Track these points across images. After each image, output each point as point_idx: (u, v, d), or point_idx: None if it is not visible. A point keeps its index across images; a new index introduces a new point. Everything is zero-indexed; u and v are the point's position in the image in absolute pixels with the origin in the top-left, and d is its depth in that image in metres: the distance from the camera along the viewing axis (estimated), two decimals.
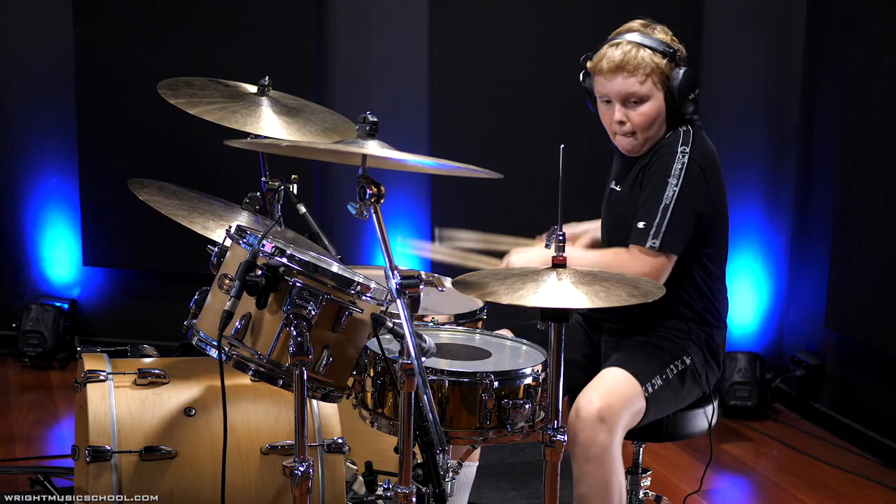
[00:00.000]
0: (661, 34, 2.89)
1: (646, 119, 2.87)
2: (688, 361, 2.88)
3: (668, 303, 2.89)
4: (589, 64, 2.92)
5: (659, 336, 2.91)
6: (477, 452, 3.14)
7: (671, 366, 2.86)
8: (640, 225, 2.81)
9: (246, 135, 3.14)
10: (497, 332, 2.87)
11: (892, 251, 4.11)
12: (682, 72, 2.86)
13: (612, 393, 2.73)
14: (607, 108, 2.91)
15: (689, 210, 2.81)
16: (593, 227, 3.20)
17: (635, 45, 2.85)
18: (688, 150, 2.84)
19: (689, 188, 2.81)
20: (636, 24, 2.92)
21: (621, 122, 2.88)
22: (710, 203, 2.87)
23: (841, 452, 4.35)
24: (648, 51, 2.84)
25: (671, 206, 2.79)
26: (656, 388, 2.80)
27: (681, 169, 2.82)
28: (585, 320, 3.09)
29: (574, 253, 2.79)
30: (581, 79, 2.97)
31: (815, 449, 4.38)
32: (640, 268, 2.79)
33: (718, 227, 2.94)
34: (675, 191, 2.80)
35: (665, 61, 2.85)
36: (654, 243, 2.78)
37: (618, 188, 3.00)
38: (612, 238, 2.99)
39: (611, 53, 2.86)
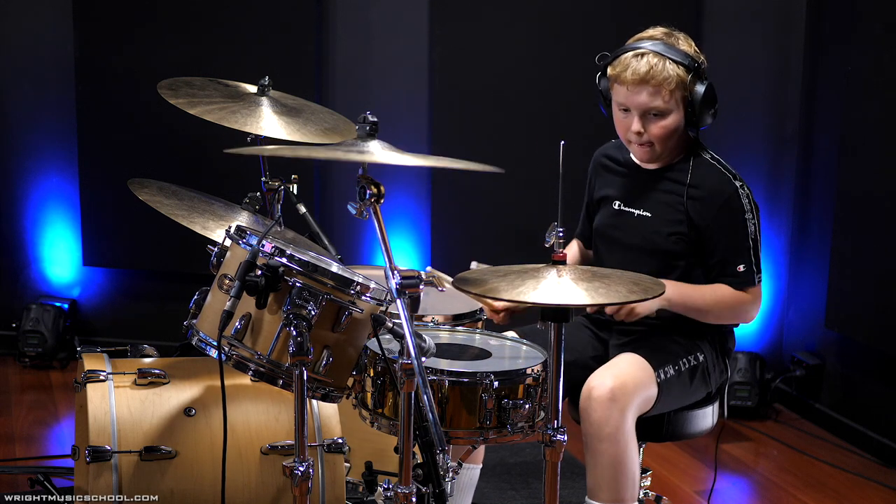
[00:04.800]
0: (685, 45, 2.85)
1: (664, 132, 2.85)
2: (701, 358, 2.90)
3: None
4: (610, 70, 2.86)
5: (674, 332, 2.92)
6: (480, 454, 3.13)
7: (684, 359, 2.88)
8: (741, 268, 2.85)
9: (246, 135, 3.14)
10: (502, 333, 2.86)
11: (892, 251, 4.11)
12: (704, 87, 2.82)
13: (625, 374, 2.75)
14: (624, 117, 2.88)
15: (760, 233, 2.90)
16: None
17: (661, 57, 2.79)
18: (740, 182, 2.88)
19: (757, 216, 2.89)
20: (658, 31, 2.87)
21: (639, 133, 2.86)
22: None
23: (841, 452, 4.35)
24: (673, 64, 2.80)
25: (758, 239, 2.88)
26: (669, 376, 2.82)
27: (748, 202, 2.86)
28: (593, 321, 3.08)
29: (685, 290, 2.86)
30: (597, 80, 2.93)
31: (815, 449, 4.37)
32: (756, 302, 2.89)
33: None
34: (755, 224, 2.87)
35: (689, 76, 2.81)
36: (759, 277, 2.87)
37: (641, 212, 2.94)
38: (631, 260, 2.92)
39: (635, 65, 2.80)
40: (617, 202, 3.00)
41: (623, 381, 2.73)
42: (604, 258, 3.03)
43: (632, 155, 2.99)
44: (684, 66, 2.81)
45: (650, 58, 2.80)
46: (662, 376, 2.81)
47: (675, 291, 2.83)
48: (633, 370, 2.78)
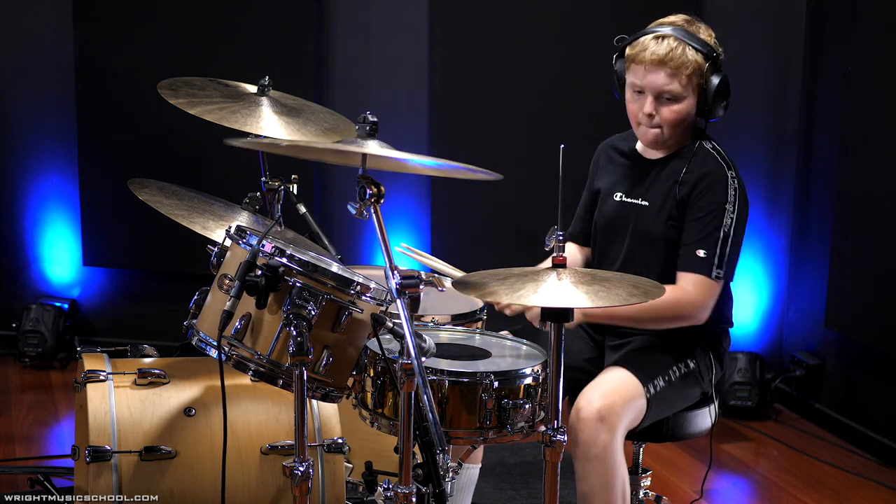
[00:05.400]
0: (705, 34, 2.85)
1: (676, 117, 2.84)
2: (692, 365, 2.88)
3: None
4: (628, 50, 2.85)
5: (665, 338, 2.89)
6: (479, 454, 3.13)
7: (674, 367, 2.85)
8: (701, 253, 2.78)
9: (246, 135, 3.14)
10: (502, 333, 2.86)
11: (892, 251, 4.11)
12: (719, 78, 2.82)
13: (613, 393, 2.72)
14: (637, 98, 2.86)
15: (741, 233, 2.83)
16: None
17: (681, 42, 2.79)
18: (734, 174, 2.84)
19: (741, 213, 2.82)
20: (680, 18, 2.86)
21: (650, 115, 2.85)
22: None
23: (841, 452, 4.35)
24: (693, 50, 2.79)
25: (731, 234, 2.79)
26: (658, 388, 2.79)
27: (734, 195, 2.81)
28: (589, 324, 3.08)
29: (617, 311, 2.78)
30: (613, 61, 2.92)
31: (815, 449, 4.38)
32: (703, 297, 2.78)
33: None
34: (732, 218, 2.80)
35: (707, 65, 2.81)
36: (718, 273, 2.78)
37: (640, 202, 2.92)
38: (631, 251, 2.93)
39: (655, 46, 2.80)
40: (619, 194, 2.98)
41: (611, 400, 2.70)
42: (605, 250, 3.01)
43: (637, 143, 2.99)
44: (703, 53, 2.80)
45: (671, 41, 2.80)
46: (652, 391, 2.78)
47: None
48: (621, 388, 2.75)
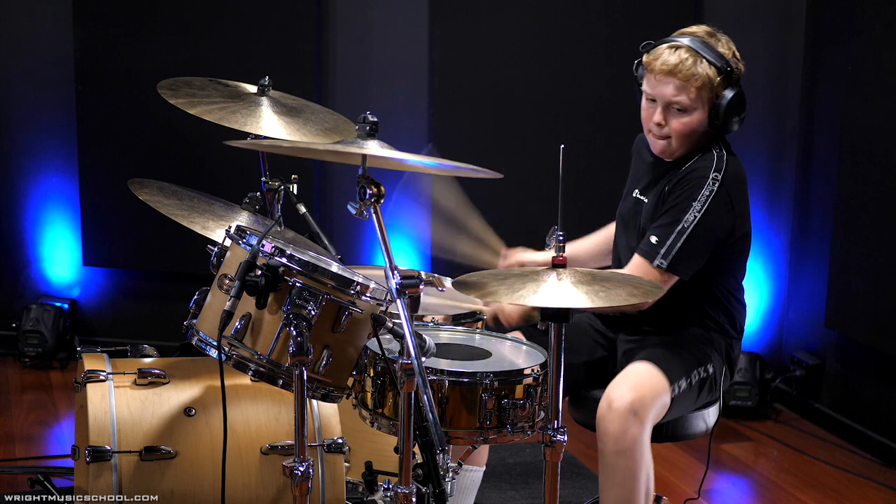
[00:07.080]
0: (724, 48, 2.83)
1: (684, 128, 2.83)
2: (710, 370, 2.89)
3: (691, 315, 2.90)
4: (645, 58, 2.86)
5: (684, 339, 2.90)
6: (483, 456, 3.12)
7: (696, 370, 2.86)
8: (653, 240, 2.79)
9: (246, 135, 3.14)
10: (507, 334, 2.86)
11: (892, 251, 4.11)
12: (732, 93, 2.80)
13: (644, 386, 2.74)
14: (649, 106, 2.87)
15: (707, 237, 2.79)
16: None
17: (694, 53, 2.79)
18: (720, 176, 2.81)
19: (713, 215, 2.79)
20: (701, 30, 2.86)
21: (659, 125, 2.85)
22: (733, 228, 2.84)
23: (841, 452, 4.35)
24: (705, 63, 2.79)
25: (689, 230, 2.77)
26: (682, 389, 2.81)
27: (708, 196, 2.79)
28: (602, 320, 3.08)
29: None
30: (634, 67, 2.93)
31: (815, 449, 4.38)
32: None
33: (743, 248, 2.93)
34: (696, 216, 2.78)
35: (719, 78, 2.80)
36: (661, 262, 2.77)
37: (644, 199, 2.96)
38: (631, 245, 2.95)
39: (666, 56, 2.80)
40: (636, 190, 3.01)
41: (642, 393, 2.71)
42: (618, 243, 3.06)
43: None
44: (716, 67, 2.80)
45: (682, 52, 2.80)
46: (677, 390, 2.80)
47: None
48: (651, 382, 2.76)
